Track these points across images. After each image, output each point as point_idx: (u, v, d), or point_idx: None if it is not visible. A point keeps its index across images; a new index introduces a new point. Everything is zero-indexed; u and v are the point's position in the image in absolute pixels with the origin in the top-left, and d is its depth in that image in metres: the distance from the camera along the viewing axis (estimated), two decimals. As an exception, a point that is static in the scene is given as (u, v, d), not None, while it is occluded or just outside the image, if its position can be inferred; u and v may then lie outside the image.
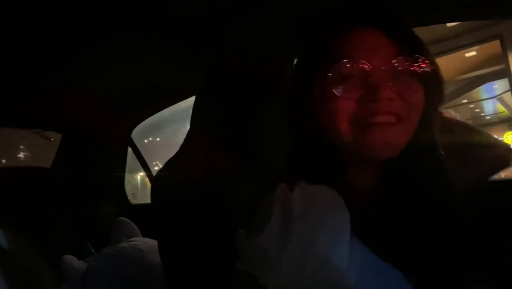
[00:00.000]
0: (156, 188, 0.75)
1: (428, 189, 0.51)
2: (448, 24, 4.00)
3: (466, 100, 7.01)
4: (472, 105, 7.51)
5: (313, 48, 0.56)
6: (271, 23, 0.93)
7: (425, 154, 0.52)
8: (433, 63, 0.51)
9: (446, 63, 5.27)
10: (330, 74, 0.49)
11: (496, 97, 6.84)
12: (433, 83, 0.51)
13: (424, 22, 0.92)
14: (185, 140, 0.82)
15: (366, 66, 0.48)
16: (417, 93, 0.49)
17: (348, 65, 0.49)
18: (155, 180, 0.77)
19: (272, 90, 0.82)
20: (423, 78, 0.50)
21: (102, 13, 0.92)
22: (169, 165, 0.78)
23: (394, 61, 0.48)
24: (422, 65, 0.49)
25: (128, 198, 1.94)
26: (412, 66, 0.49)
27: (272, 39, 0.99)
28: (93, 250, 1.38)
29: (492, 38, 4.44)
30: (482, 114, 7.95)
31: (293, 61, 1.18)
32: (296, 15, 0.89)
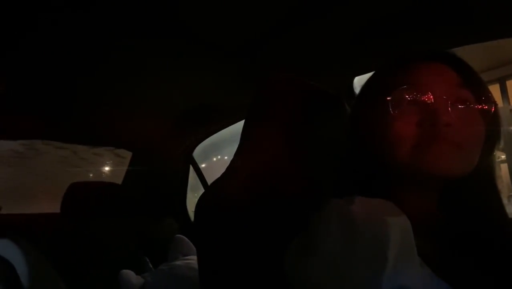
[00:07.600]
0: (200, 205, 0.74)
1: (485, 217, 0.53)
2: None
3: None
4: None
5: (380, 75, 0.59)
6: (325, 38, 0.90)
7: (482, 185, 0.53)
8: (492, 99, 0.52)
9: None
10: (391, 99, 0.51)
11: None
12: (491, 118, 0.52)
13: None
14: (233, 159, 0.80)
15: (427, 93, 0.50)
16: (476, 125, 0.50)
17: (410, 91, 0.51)
18: (200, 198, 0.76)
19: (329, 110, 0.79)
20: (482, 113, 0.51)
21: (161, 35, 0.97)
22: (215, 183, 0.77)
23: (455, 92, 0.50)
24: (483, 100, 0.51)
25: (190, 216, 1.98)
26: (473, 100, 0.51)
27: (326, 54, 0.95)
28: (151, 265, 1.42)
29: None
30: None
31: (349, 81, 1.13)
32: (352, 29, 0.85)
